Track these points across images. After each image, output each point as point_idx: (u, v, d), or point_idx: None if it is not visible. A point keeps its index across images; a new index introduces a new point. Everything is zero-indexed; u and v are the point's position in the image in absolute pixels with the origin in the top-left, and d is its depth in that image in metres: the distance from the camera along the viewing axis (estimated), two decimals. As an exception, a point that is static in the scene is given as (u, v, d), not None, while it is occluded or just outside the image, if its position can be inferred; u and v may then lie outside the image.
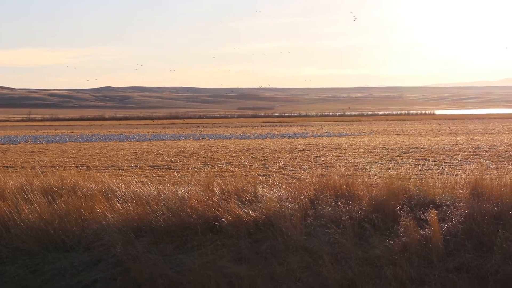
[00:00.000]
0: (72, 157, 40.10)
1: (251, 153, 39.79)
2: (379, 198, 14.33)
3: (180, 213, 14.63)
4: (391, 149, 40.56)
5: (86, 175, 19.31)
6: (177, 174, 26.24)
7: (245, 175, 21.04)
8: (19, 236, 14.89)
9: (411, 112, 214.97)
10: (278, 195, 15.29)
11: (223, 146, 48.58)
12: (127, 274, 13.58)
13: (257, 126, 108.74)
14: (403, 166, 27.22)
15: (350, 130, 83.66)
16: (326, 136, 66.61)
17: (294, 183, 18.00)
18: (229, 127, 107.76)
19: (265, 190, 15.76)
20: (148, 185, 17.51)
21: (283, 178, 23.50)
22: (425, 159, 31.79)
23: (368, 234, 13.31)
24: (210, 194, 15.36)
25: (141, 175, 26.13)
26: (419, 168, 26.53)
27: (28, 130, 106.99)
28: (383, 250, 12.80)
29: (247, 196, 15.14)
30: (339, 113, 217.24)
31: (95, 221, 15.05)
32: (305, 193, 15.15)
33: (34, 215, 15.40)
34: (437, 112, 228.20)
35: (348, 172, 17.94)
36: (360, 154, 36.98)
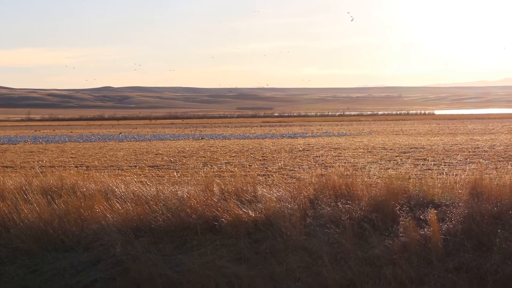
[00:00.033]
0: (71, 157, 40.10)
1: (251, 153, 39.78)
2: (378, 198, 14.33)
3: (179, 213, 14.62)
4: (391, 149, 40.55)
5: (85, 175, 19.29)
6: (177, 174, 26.23)
7: (245, 175, 21.02)
8: (19, 236, 14.89)
9: (411, 112, 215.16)
10: (277, 195, 15.29)
11: (223, 146, 48.58)
12: (126, 274, 13.57)
13: (257, 126, 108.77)
14: (403, 166, 27.22)
15: (349, 130, 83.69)
16: (326, 136, 66.62)
17: (294, 183, 17.99)
18: (228, 127, 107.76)
19: (264, 190, 15.75)
20: (148, 185, 17.49)
21: (282, 178, 23.49)
22: (425, 159, 31.79)
23: (367, 234, 13.30)
24: (209, 194, 15.35)
25: (140, 175, 26.13)
26: (419, 168, 26.52)
27: (27, 130, 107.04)
28: (383, 250, 12.80)
29: (246, 196, 15.14)
30: (339, 113, 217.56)
31: (95, 221, 15.04)
32: (305, 193, 15.15)
33: (33, 215, 15.40)
34: (437, 112, 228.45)
35: (348, 172, 17.92)
36: (360, 154, 36.98)
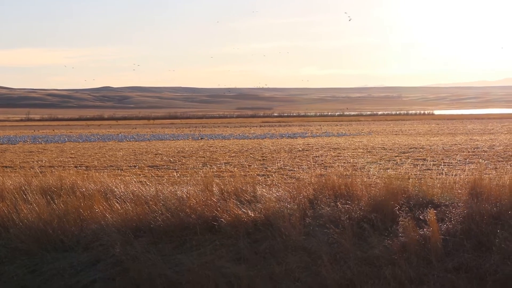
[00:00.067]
0: (71, 157, 40.09)
1: (250, 153, 39.79)
2: (378, 198, 14.33)
3: (179, 213, 14.62)
4: (390, 149, 40.57)
5: (85, 175, 19.28)
6: (176, 174, 26.23)
7: (244, 175, 21.02)
8: (18, 236, 14.88)
9: (410, 112, 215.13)
10: (277, 195, 15.29)
11: (222, 146, 48.58)
12: (126, 274, 13.57)
13: (256, 126, 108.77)
14: (402, 166, 27.23)
15: (349, 130, 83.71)
16: (325, 136, 66.64)
17: (293, 183, 17.98)
18: (228, 127, 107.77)
19: (264, 190, 15.75)
20: (147, 185, 17.49)
21: (282, 178, 23.50)
22: (424, 159, 31.81)
23: (367, 234, 13.30)
24: (209, 194, 15.35)
25: (140, 175, 26.12)
26: (418, 168, 26.54)
27: (27, 130, 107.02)
28: (382, 250, 12.80)
29: (246, 196, 15.14)
30: (338, 113, 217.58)
31: (94, 221, 15.04)
32: (304, 193, 15.14)
33: (33, 215, 15.39)
34: (436, 112, 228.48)
35: (347, 172, 17.93)
36: (359, 154, 36.99)
